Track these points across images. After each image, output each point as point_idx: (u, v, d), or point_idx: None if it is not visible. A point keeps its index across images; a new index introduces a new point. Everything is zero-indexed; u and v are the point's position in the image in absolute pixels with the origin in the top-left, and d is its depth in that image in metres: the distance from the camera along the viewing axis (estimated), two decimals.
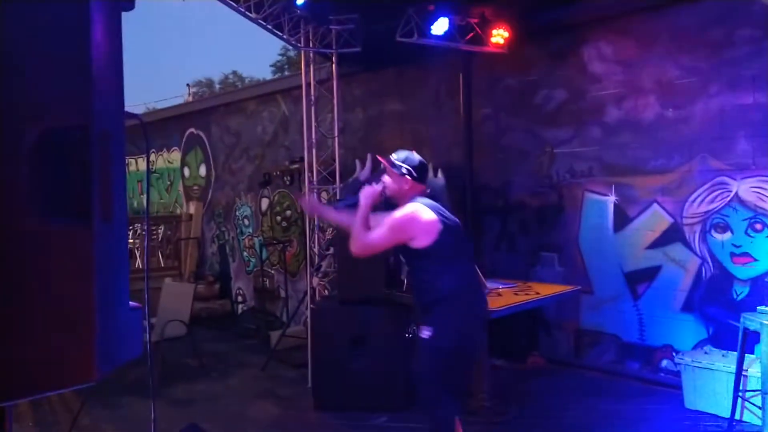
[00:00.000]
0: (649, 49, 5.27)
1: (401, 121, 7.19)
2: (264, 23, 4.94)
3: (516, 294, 4.86)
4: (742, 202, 4.76)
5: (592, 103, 5.64)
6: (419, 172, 3.33)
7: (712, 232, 4.93)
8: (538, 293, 4.89)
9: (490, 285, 4.91)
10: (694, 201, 5.03)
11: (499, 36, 5.52)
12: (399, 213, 3.19)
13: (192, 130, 10.47)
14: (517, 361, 5.87)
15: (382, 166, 3.41)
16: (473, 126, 6.53)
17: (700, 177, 4.99)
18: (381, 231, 3.18)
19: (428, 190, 3.38)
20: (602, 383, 5.33)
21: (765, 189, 4.64)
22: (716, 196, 4.90)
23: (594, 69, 5.63)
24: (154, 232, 10.23)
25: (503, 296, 4.78)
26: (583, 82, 5.68)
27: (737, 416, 4.22)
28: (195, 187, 10.46)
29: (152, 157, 11.27)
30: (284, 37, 5.13)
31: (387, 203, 3.35)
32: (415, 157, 3.40)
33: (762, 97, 4.62)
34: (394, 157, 3.36)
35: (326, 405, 4.93)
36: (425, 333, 3.21)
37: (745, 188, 4.74)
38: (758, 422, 4.00)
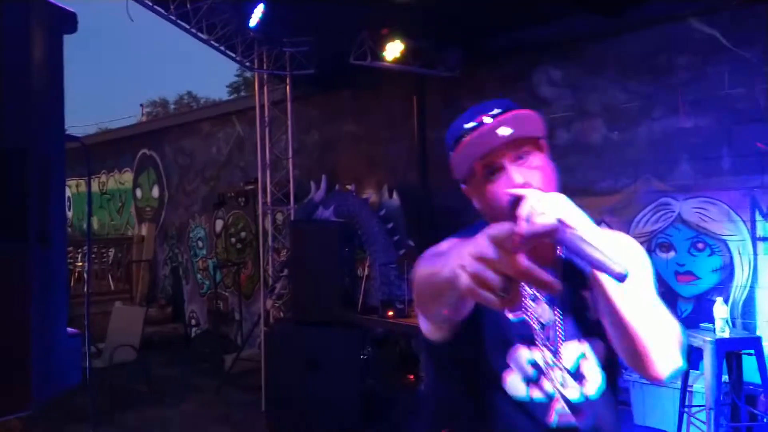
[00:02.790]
0: (595, 74, 5.44)
1: (357, 143, 7.23)
2: (216, 45, 4.94)
3: None
4: (684, 222, 4.93)
5: None
6: None
7: (657, 251, 5.08)
8: None
9: None
10: (639, 221, 5.19)
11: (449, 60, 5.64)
12: (627, 239, 1.50)
13: (145, 150, 10.30)
14: None
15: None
16: (428, 148, 6.62)
17: (645, 198, 5.15)
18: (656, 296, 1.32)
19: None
20: None
21: (706, 209, 4.82)
22: (660, 216, 5.06)
23: (544, 93, 5.78)
24: (105, 255, 9.99)
25: None
26: (534, 105, 5.81)
27: (683, 431, 4.33)
28: (148, 209, 10.27)
29: (103, 178, 11.04)
30: (237, 58, 5.13)
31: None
32: None
33: (701, 121, 4.81)
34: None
35: (280, 429, 4.87)
36: None
37: (688, 209, 4.91)
38: None
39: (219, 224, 8.76)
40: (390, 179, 6.73)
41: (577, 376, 1.26)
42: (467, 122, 1.36)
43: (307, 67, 5.41)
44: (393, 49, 5.33)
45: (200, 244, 9.15)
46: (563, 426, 1.22)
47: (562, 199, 1.25)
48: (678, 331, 1.22)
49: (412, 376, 5.75)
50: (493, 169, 1.28)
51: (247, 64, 5.29)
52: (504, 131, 1.26)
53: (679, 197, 4.96)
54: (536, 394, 1.24)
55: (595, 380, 1.27)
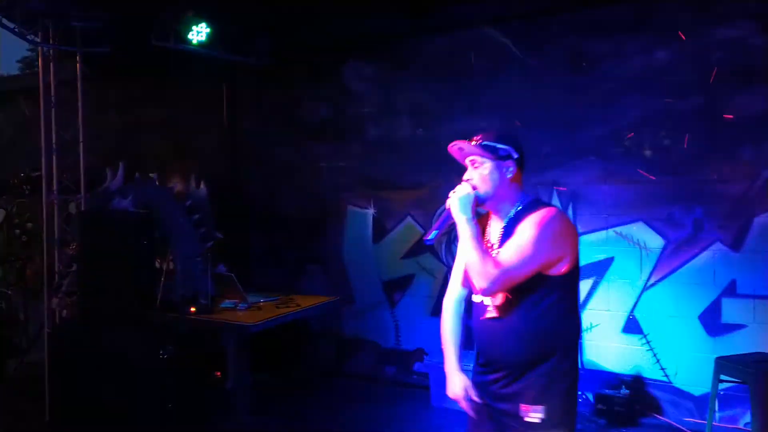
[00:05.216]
0: (402, 73, 5.64)
1: (162, 129, 6.83)
2: None
3: (277, 307, 4.86)
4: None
5: (353, 120, 5.87)
6: (522, 152, 2.25)
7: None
8: (299, 305, 4.94)
9: (251, 299, 4.85)
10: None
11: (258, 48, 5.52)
12: (541, 221, 2.11)
13: None
14: (282, 375, 5.86)
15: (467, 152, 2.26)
16: (238, 138, 6.44)
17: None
18: (519, 252, 2.09)
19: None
20: (361, 389, 5.53)
21: None
22: None
23: (354, 87, 5.87)
24: None
25: (263, 310, 4.75)
26: (344, 100, 5.90)
27: None
28: None
29: None
30: (16, 30, 4.56)
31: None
32: (511, 131, 2.53)
33: (495, 121, 5.18)
34: (483, 135, 2.25)
35: None
36: (531, 416, 2.13)
37: None
38: None
39: (1, 214, 7.80)
40: (198, 169, 6.43)
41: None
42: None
43: (101, 44, 4.96)
44: (198, 33, 5.08)
45: None
46: (489, 317, 2.21)
47: (460, 189, 2.23)
48: (488, 270, 2.08)
49: (219, 373, 5.56)
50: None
51: (29, 37, 4.73)
52: (462, 147, 2.26)
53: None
54: (480, 300, 2.26)
55: (500, 297, 2.18)
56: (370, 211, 5.83)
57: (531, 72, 5.02)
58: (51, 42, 4.80)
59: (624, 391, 4.59)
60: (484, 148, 2.21)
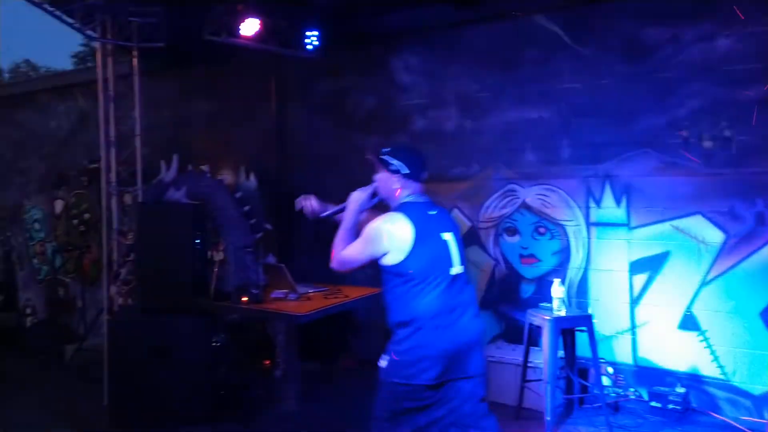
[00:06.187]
0: (450, 63, 5.59)
1: (212, 122, 6.95)
2: (50, 9, 4.48)
3: (326, 298, 4.89)
4: (528, 208, 5.23)
5: (399, 111, 5.86)
6: (413, 167, 2.78)
7: (504, 235, 5.36)
8: (347, 296, 4.97)
9: (300, 290, 4.91)
10: (488, 206, 5.43)
11: (313, 39, 5.53)
12: (373, 222, 2.73)
13: None
14: (329, 364, 5.93)
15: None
16: (286, 130, 6.50)
17: (494, 184, 5.40)
18: (356, 244, 2.74)
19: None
20: None
21: (548, 196, 5.14)
22: (507, 202, 5.33)
23: (401, 79, 5.86)
24: None
25: (313, 300, 4.79)
26: (391, 91, 5.89)
27: (524, 404, 4.62)
28: None
29: None
30: (76, 25, 4.69)
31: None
32: (408, 148, 2.97)
33: (545, 112, 5.11)
34: (384, 150, 2.83)
35: (124, 422, 4.58)
36: (381, 362, 2.78)
37: (532, 195, 5.21)
38: (541, 409, 4.39)
39: (59, 205, 8.08)
40: (247, 160, 6.53)
41: None
42: None
43: (156, 39, 5.07)
44: (249, 27, 5.14)
45: (37, 226, 8.39)
46: None
47: (361, 190, 2.87)
48: (335, 257, 2.78)
49: (268, 362, 5.66)
50: None
51: (88, 32, 4.85)
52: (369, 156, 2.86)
53: (524, 184, 5.25)
54: None
55: None
56: None
57: (582, 61, 4.92)
58: (108, 37, 4.92)
59: (679, 388, 4.49)
60: (381, 161, 2.80)
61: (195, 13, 4.99)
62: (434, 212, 2.81)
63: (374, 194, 2.85)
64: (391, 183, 2.78)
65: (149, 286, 4.79)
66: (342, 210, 2.87)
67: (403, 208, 2.75)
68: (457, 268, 2.77)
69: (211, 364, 4.75)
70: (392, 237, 2.66)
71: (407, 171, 2.76)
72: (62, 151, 8.08)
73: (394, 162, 2.76)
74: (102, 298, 5.62)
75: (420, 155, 2.87)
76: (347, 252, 2.74)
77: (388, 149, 2.81)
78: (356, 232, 2.79)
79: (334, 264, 2.79)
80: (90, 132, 7.63)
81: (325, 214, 3.03)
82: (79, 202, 7.85)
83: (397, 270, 2.69)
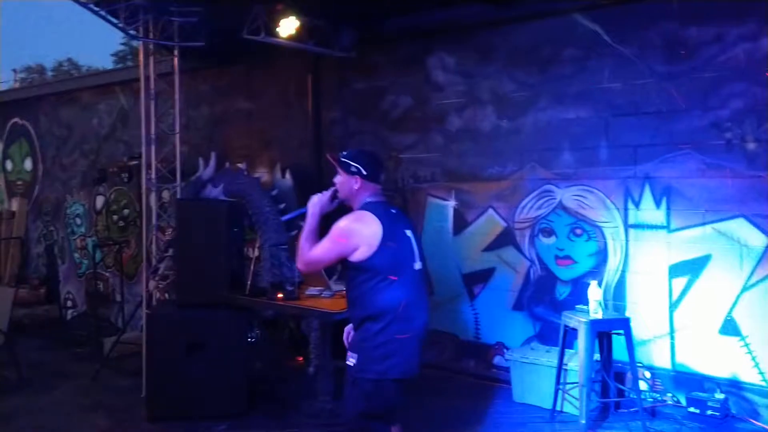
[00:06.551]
0: (487, 62, 5.57)
1: (249, 120, 7.03)
2: (96, 9, 4.58)
3: None
4: (565, 209, 5.17)
5: (435, 110, 5.85)
6: (371, 169, 2.90)
7: (540, 236, 5.31)
8: None
9: (335, 287, 4.93)
10: (524, 207, 5.39)
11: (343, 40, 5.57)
12: (341, 221, 2.82)
13: (17, 119, 9.54)
14: None
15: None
16: (322, 128, 6.54)
17: (530, 185, 5.35)
18: (323, 244, 2.82)
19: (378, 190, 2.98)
20: (441, 381, 5.53)
21: (585, 197, 5.08)
22: (543, 203, 5.28)
23: (437, 78, 5.85)
24: None
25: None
26: (427, 90, 5.89)
27: (558, 407, 4.58)
28: (19, 182, 9.53)
29: None
30: (120, 25, 4.80)
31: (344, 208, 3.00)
32: (366, 152, 3.09)
33: (583, 112, 5.05)
34: (343, 153, 2.96)
35: (161, 415, 4.67)
36: (350, 360, 2.86)
37: (568, 196, 5.15)
38: (576, 412, 4.35)
39: (100, 201, 8.27)
40: (283, 158, 6.60)
41: None
42: None
43: (196, 39, 5.15)
44: (287, 26, 5.19)
45: (78, 221, 8.61)
46: None
47: (322, 194, 2.95)
48: (301, 258, 2.86)
49: (301, 358, 5.71)
50: None
51: (131, 32, 4.96)
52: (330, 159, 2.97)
53: (560, 185, 5.19)
54: None
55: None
56: (451, 203, 5.80)
57: (622, 60, 4.84)
58: (151, 37, 5.02)
59: (719, 394, 4.40)
60: (340, 163, 2.91)
61: (234, 13, 5.07)
62: (394, 211, 2.97)
63: (334, 197, 2.95)
64: (351, 185, 2.89)
65: (186, 282, 4.88)
66: (303, 213, 2.96)
67: (368, 207, 2.86)
68: (418, 264, 2.93)
69: (246, 360, 4.81)
70: (361, 234, 2.76)
71: (366, 173, 2.87)
72: (103, 148, 8.27)
73: (354, 165, 2.87)
74: (140, 293, 5.73)
75: (378, 158, 3.04)
76: (314, 253, 2.82)
77: (347, 153, 2.95)
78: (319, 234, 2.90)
79: (299, 265, 2.92)
80: (130, 129, 7.81)
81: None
82: (118, 198, 8.02)
83: (365, 266, 2.77)
